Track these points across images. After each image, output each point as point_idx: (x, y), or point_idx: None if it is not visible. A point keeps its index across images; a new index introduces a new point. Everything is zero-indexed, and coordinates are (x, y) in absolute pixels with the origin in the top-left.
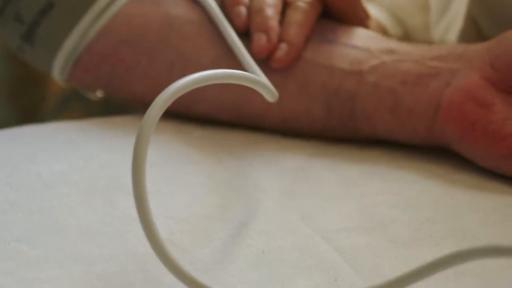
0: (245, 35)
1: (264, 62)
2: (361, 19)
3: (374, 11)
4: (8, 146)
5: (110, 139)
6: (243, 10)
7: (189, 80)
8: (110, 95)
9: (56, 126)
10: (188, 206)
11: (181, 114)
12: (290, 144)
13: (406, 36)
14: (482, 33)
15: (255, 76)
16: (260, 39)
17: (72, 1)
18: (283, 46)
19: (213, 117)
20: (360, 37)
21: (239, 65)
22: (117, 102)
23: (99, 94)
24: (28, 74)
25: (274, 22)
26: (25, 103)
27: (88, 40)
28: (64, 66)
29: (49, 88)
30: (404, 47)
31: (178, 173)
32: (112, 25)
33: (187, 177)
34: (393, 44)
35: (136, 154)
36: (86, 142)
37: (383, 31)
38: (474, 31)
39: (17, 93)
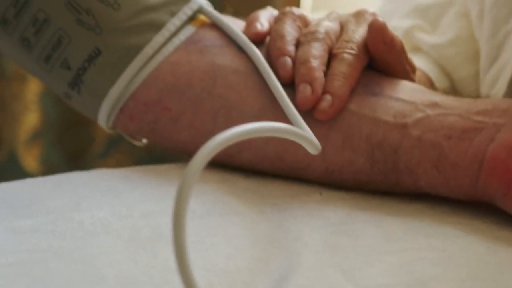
0: (290, 85)
1: (309, 112)
2: (406, 72)
3: (420, 62)
4: (53, 193)
5: (153, 188)
6: (288, 60)
7: (233, 133)
8: (154, 143)
9: (100, 173)
10: (229, 258)
11: (225, 163)
12: (333, 196)
13: (453, 88)
14: None
15: (298, 130)
16: (304, 90)
17: (119, 48)
18: (328, 98)
19: (256, 167)
20: (405, 90)
21: (283, 116)
22: (161, 149)
23: (144, 141)
24: (77, 117)
25: (319, 73)
26: (73, 145)
27: (134, 88)
28: (110, 113)
29: (98, 130)
30: (449, 101)
31: (220, 224)
32: (157, 73)
33: (229, 228)
34: (438, 97)
35: (177, 206)
36: (129, 190)
37: (430, 83)
38: None
39: (65, 135)
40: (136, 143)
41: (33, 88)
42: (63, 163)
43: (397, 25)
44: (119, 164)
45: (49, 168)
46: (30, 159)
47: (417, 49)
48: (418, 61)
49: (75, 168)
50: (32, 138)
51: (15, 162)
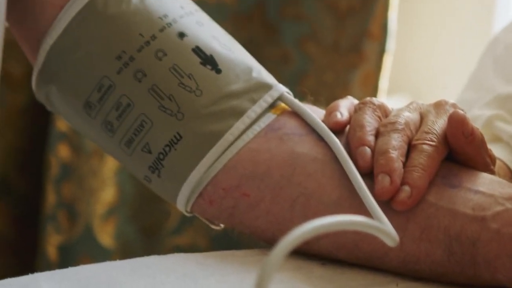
0: (369, 175)
1: (387, 202)
2: (486, 164)
3: (500, 152)
4: (131, 277)
5: (229, 274)
6: (368, 150)
7: (313, 227)
8: (231, 228)
9: (177, 258)
10: None
11: (301, 251)
12: (409, 287)
13: None
14: None
15: (377, 224)
16: (383, 181)
17: (200, 133)
18: (406, 189)
19: (333, 255)
20: (484, 182)
21: (361, 205)
22: (238, 234)
23: (221, 225)
24: (152, 192)
25: (398, 164)
26: (148, 221)
27: (214, 173)
28: (189, 197)
29: (173, 206)
30: None
31: None
32: (237, 159)
33: None
34: None
35: None
36: (206, 276)
37: (510, 174)
38: None
39: (140, 210)
40: (214, 227)
41: (110, 164)
42: (138, 238)
43: (477, 115)
44: (193, 240)
45: (123, 243)
46: (105, 233)
47: (498, 139)
48: (498, 151)
49: (149, 243)
50: (108, 213)
51: (91, 236)
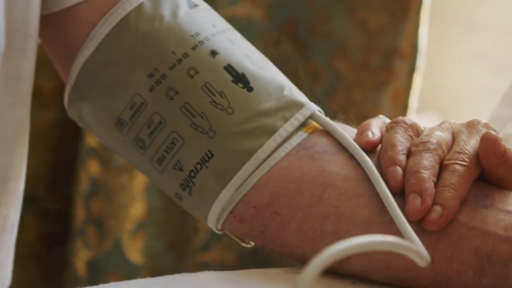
0: (400, 194)
1: (418, 221)
2: None
3: None
4: None
5: None
6: (399, 170)
7: (346, 246)
8: (261, 245)
9: (208, 276)
10: None
11: (332, 269)
12: None
13: None
14: None
15: (409, 244)
16: (414, 201)
17: (231, 151)
18: (438, 209)
19: (363, 274)
20: None
21: (392, 224)
22: (267, 252)
23: (251, 243)
24: (181, 208)
25: (429, 184)
26: (176, 236)
27: (245, 191)
28: (220, 215)
29: (201, 221)
30: None
31: None
32: (268, 177)
33: None
34: None
35: None
36: None
37: None
38: None
39: (169, 226)
40: (244, 244)
41: (139, 179)
42: (166, 254)
43: (510, 133)
44: (221, 257)
45: (152, 259)
46: (134, 249)
47: None
48: None
49: (177, 259)
50: (137, 228)
51: (120, 252)
